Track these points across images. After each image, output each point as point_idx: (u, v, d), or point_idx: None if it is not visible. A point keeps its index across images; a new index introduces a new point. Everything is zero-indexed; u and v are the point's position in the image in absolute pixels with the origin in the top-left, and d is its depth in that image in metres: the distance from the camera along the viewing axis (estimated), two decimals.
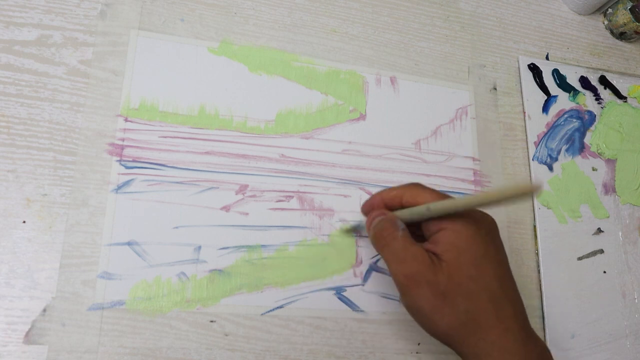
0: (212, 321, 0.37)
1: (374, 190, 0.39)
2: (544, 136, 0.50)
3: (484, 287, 0.31)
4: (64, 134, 0.37)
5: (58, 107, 0.38)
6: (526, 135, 0.49)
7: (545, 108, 0.51)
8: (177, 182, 0.39)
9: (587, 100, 0.53)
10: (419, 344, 0.40)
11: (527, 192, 0.27)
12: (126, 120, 0.39)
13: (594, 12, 0.58)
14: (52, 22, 0.40)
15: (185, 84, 0.41)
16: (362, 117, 0.45)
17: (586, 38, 0.57)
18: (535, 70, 0.52)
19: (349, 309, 0.40)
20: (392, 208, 0.35)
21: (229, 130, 0.41)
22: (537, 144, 0.49)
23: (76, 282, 0.35)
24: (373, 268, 0.41)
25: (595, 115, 0.52)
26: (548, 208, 0.47)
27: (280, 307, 0.38)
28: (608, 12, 0.57)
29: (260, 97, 0.43)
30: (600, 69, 0.55)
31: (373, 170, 0.43)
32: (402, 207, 0.34)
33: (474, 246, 0.31)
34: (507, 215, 0.46)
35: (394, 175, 0.44)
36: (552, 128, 0.50)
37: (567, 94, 0.52)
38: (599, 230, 0.48)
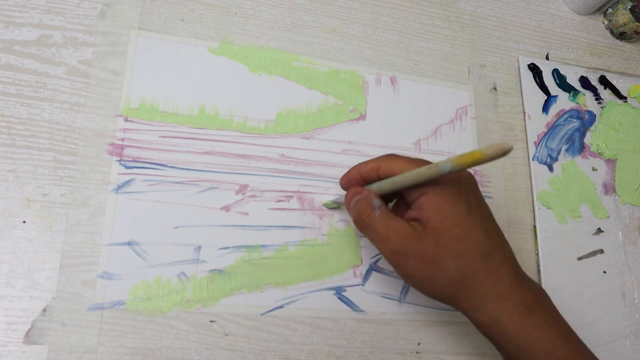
0: (212, 321, 0.37)
1: None
2: (544, 136, 0.50)
3: (472, 243, 0.31)
4: (64, 134, 0.37)
5: (58, 107, 0.38)
6: (526, 135, 0.49)
7: (545, 108, 0.51)
8: (177, 182, 0.39)
9: (587, 100, 0.53)
10: (419, 344, 0.40)
11: (496, 155, 0.27)
12: (126, 120, 0.39)
13: (594, 12, 0.58)
14: (52, 22, 0.40)
15: (185, 84, 0.41)
16: (362, 117, 0.45)
17: (586, 38, 0.57)
18: (535, 70, 0.52)
19: (349, 309, 0.40)
20: (370, 181, 0.35)
21: (229, 130, 0.41)
22: (537, 144, 0.49)
23: (76, 282, 0.35)
24: (373, 268, 0.41)
25: (595, 115, 0.52)
26: (548, 208, 0.47)
27: (280, 307, 0.38)
28: (608, 12, 0.57)
29: (260, 97, 0.43)
30: (600, 69, 0.55)
31: None
32: (380, 178, 0.34)
33: (457, 205, 0.31)
34: (507, 215, 0.46)
35: None
36: (552, 128, 0.50)
37: (567, 94, 0.52)
38: (599, 230, 0.48)
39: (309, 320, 0.38)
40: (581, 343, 0.32)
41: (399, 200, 0.37)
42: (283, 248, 0.39)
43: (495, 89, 0.50)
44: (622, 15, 0.56)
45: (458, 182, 0.32)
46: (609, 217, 0.49)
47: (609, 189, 0.50)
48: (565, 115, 0.51)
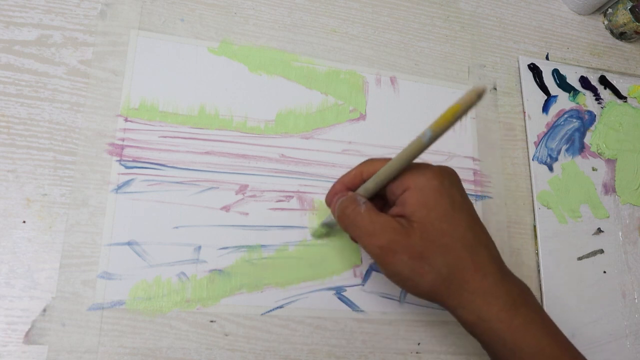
0: (212, 321, 0.37)
1: None
2: (544, 136, 0.50)
3: (458, 238, 0.31)
4: (64, 134, 0.37)
5: (58, 107, 0.38)
6: (526, 135, 0.49)
7: (545, 108, 0.51)
8: (177, 182, 0.39)
9: (587, 100, 0.53)
10: (419, 344, 0.40)
11: (473, 100, 0.26)
12: (126, 120, 0.39)
13: (594, 12, 0.58)
14: (52, 22, 0.40)
15: (185, 84, 0.41)
16: (362, 117, 0.45)
17: (586, 38, 0.57)
18: (535, 70, 0.52)
19: (349, 309, 0.40)
20: (354, 189, 0.34)
21: (229, 130, 0.41)
22: (537, 144, 0.49)
23: (76, 282, 0.35)
24: (373, 268, 0.41)
25: (595, 115, 0.52)
26: (548, 208, 0.47)
27: (280, 307, 0.38)
28: (608, 12, 0.57)
29: (260, 97, 0.43)
30: (600, 69, 0.55)
31: None
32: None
33: (441, 200, 0.31)
34: (507, 215, 0.46)
35: None
36: (552, 128, 0.50)
37: (567, 94, 0.52)
38: (599, 230, 0.48)
39: (309, 320, 0.38)
40: (567, 341, 0.32)
41: (382, 202, 0.35)
42: (283, 248, 0.39)
43: (495, 89, 0.50)
44: (622, 15, 0.56)
45: (441, 178, 0.32)
46: (609, 217, 0.49)
47: (609, 189, 0.50)
48: (565, 115, 0.51)
